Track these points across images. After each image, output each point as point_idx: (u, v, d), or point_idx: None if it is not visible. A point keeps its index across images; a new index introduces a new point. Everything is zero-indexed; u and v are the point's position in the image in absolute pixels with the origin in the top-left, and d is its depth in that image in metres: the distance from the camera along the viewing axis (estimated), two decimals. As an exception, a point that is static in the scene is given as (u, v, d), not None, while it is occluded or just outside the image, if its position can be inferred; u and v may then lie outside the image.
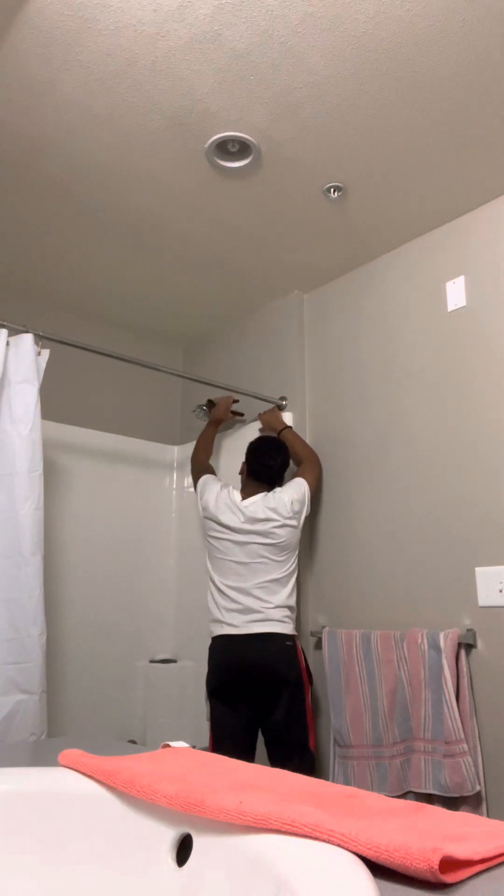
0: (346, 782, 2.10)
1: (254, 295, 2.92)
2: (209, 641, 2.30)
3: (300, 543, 2.43)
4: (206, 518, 2.44)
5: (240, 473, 2.59)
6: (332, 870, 0.46)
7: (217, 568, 2.35)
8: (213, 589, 2.34)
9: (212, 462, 2.77)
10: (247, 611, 2.24)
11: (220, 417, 2.86)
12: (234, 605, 2.26)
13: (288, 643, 2.22)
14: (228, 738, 2.17)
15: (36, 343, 2.14)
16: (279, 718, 2.14)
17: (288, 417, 2.71)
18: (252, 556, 2.29)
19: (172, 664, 2.88)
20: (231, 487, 2.48)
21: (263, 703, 2.17)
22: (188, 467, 3.18)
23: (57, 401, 2.84)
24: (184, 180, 2.14)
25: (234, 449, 2.88)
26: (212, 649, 2.29)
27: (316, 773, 2.25)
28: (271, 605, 2.24)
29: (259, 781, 0.67)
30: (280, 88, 1.77)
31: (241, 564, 2.29)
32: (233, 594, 2.27)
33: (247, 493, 2.43)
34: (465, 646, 2.02)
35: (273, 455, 2.49)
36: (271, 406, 2.77)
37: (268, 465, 2.47)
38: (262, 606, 2.23)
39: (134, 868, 0.65)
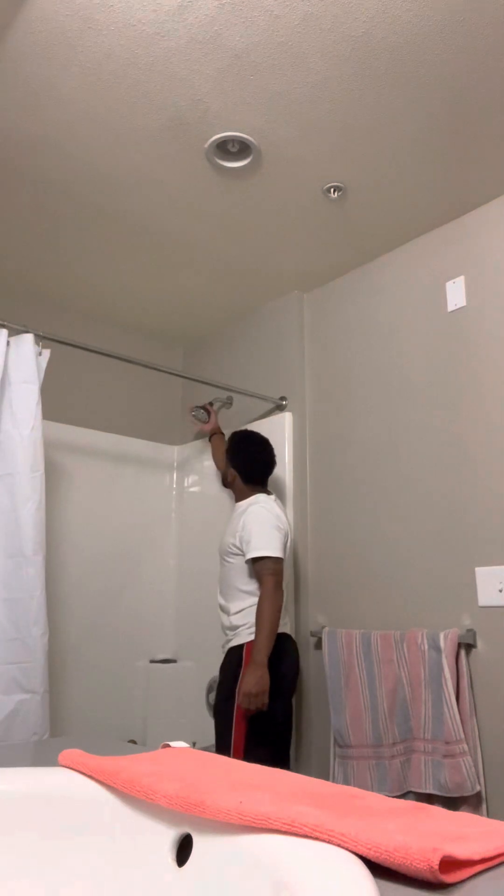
0: (346, 782, 2.10)
1: (254, 295, 2.92)
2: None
3: (299, 544, 2.42)
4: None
5: (231, 480, 2.44)
6: (332, 870, 0.46)
7: None
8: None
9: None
10: None
11: (215, 430, 2.88)
12: None
13: None
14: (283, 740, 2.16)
15: (36, 343, 2.14)
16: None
17: (288, 417, 2.71)
18: None
19: (172, 664, 2.88)
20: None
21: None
22: (188, 467, 3.19)
23: (57, 401, 2.85)
24: (184, 180, 2.14)
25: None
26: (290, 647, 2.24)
27: (316, 773, 2.25)
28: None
29: (259, 781, 0.67)
30: (280, 88, 1.77)
31: None
32: None
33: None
34: (465, 646, 2.02)
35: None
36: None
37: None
38: None
39: (134, 868, 0.65)
